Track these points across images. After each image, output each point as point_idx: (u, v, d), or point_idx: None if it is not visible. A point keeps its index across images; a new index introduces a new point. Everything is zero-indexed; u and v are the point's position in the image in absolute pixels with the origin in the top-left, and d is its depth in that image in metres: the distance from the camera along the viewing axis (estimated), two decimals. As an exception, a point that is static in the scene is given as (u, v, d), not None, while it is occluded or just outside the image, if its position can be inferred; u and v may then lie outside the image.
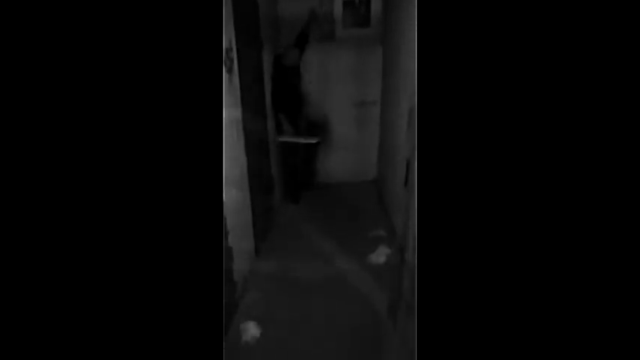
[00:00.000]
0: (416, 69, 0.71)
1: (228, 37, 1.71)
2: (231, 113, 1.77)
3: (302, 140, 2.99)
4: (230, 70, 1.75)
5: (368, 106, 3.52)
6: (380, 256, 2.27)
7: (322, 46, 3.29)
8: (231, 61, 1.77)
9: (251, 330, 1.70)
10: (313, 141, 3.02)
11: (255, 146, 2.26)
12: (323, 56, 3.33)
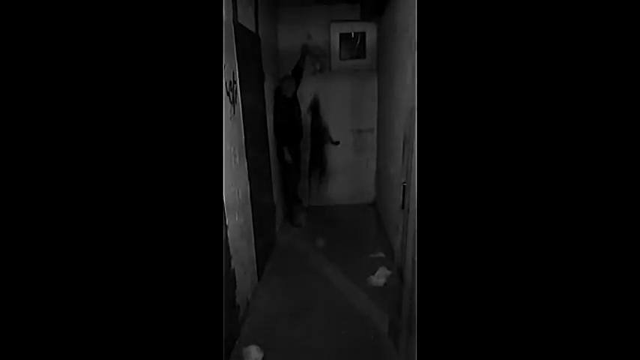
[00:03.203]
0: (416, 97, 0.75)
1: (231, 70, 1.82)
2: (234, 140, 1.86)
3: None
4: (234, 101, 1.85)
5: (365, 132, 3.66)
6: (380, 277, 2.29)
7: (320, 77, 3.46)
8: (235, 92, 1.88)
9: (253, 354, 1.68)
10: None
11: (256, 172, 2.33)
12: (321, 87, 3.50)
